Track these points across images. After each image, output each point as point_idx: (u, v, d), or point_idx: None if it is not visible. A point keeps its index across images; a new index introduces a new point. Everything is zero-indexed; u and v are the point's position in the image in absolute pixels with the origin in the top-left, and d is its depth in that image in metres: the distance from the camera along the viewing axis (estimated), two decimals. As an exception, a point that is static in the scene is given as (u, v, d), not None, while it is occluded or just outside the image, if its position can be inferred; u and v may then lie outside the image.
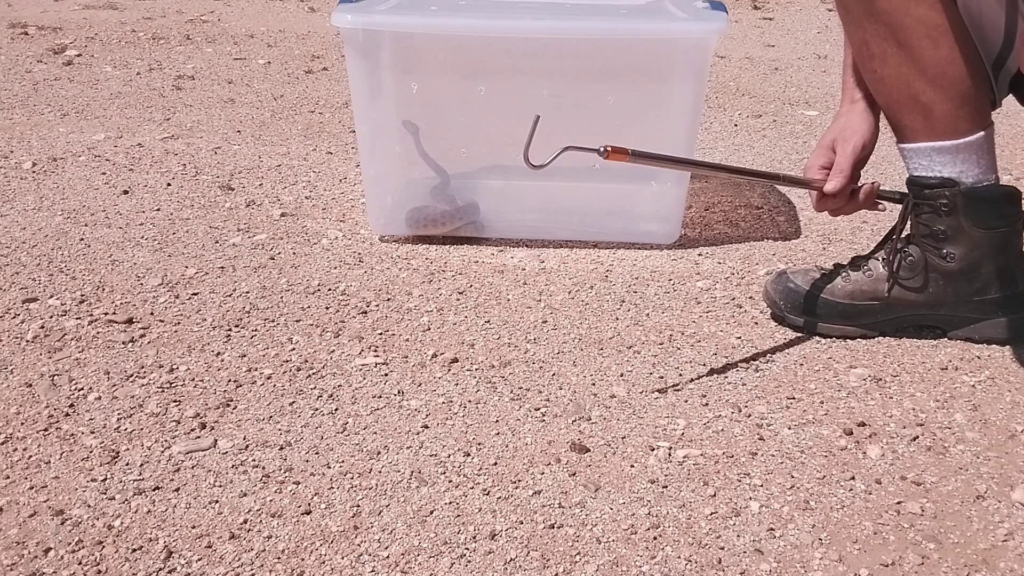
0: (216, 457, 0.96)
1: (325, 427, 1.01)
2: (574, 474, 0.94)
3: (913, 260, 1.16)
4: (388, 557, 0.83)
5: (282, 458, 0.96)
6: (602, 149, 0.97)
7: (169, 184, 1.66)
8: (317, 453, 0.97)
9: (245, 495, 0.91)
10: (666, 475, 0.94)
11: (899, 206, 1.19)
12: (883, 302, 1.18)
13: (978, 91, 1.08)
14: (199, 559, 0.83)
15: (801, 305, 1.20)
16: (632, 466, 0.96)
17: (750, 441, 1.00)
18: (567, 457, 0.97)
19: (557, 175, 1.48)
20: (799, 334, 1.21)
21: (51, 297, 1.26)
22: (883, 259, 1.18)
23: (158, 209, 1.56)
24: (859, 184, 1.17)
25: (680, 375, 1.12)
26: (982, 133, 1.10)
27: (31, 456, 0.96)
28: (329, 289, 1.31)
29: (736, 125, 2.07)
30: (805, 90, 2.36)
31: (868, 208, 1.20)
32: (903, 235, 1.17)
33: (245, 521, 0.87)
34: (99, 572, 0.81)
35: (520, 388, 1.09)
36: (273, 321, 1.22)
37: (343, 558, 0.83)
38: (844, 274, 1.20)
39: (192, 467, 0.95)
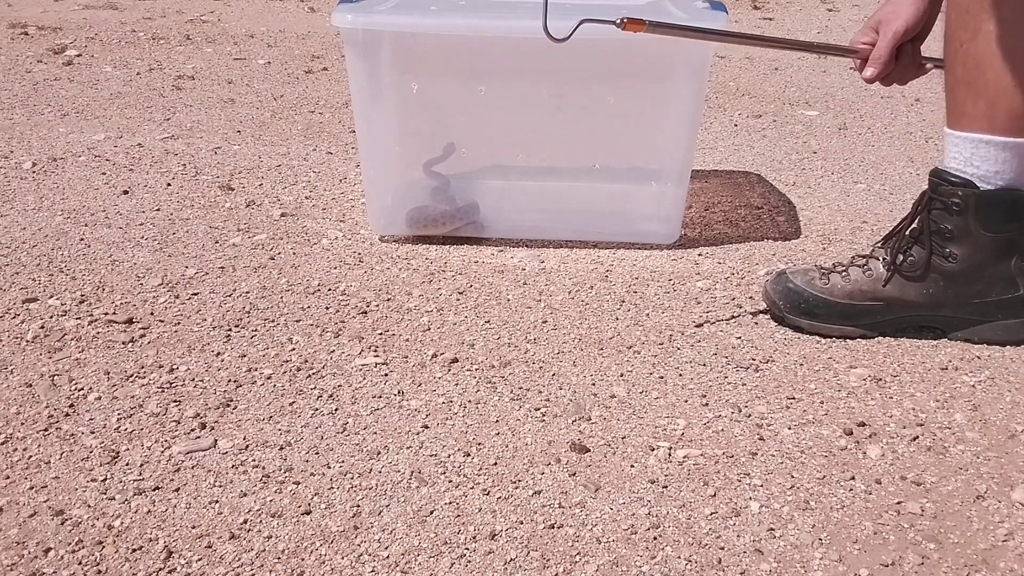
0: (216, 457, 0.96)
1: (325, 427, 1.01)
2: (574, 474, 0.94)
3: (914, 260, 1.16)
4: (388, 557, 0.83)
5: (282, 458, 0.96)
6: (619, 21, 0.99)
7: (169, 184, 1.67)
8: (317, 453, 0.97)
9: (245, 495, 0.91)
10: (666, 475, 0.94)
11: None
12: (883, 303, 1.18)
13: None
14: (199, 559, 0.83)
15: (801, 305, 1.20)
16: (632, 466, 0.96)
17: (750, 441, 1.00)
18: (567, 457, 0.97)
19: (557, 175, 1.49)
20: (799, 334, 1.21)
21: (51, 297, 1.26)
22: (883, 259, 1.18)
23: (158, 209, 1.56)
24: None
25: (680, 375, 1.12)
26: None
27: (31, 456, 0.96)
28: (329, 289, 1.31)
29: (736, 125, 2.07)
30: (805, 90, 2.36)
31: (913, 76, 1.23)
32: (907, 232, 1.16)
33: (245, 521, 0.87)
34: (99, 572, 0.81)
35: (520, 388, 1.09)
36: (273, 321, 1.22)
37: (343, 558, 0.83)
38: (844, 274, 1.20)
39: (192, 467, 0.95)
